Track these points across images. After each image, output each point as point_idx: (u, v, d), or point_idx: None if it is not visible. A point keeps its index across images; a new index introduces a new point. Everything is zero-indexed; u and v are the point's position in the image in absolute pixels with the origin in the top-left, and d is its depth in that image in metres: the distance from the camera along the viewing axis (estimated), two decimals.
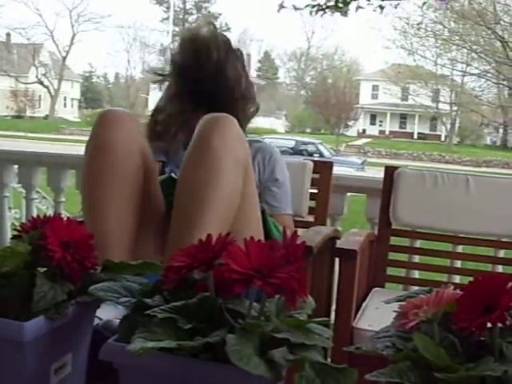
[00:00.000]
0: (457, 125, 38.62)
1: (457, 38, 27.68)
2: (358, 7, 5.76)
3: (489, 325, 0.85)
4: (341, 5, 5.76)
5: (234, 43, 2.21)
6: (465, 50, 29.17)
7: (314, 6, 5.95)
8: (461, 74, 32.86)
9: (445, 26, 26.96)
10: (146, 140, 1.91)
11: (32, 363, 0.97)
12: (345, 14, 5.80)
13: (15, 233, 1.13)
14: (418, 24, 27.08)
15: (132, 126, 1.81)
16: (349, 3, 5.77)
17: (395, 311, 0.93)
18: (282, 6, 6.00)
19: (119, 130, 1.77)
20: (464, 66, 31.56)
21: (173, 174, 1.95)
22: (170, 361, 0.85)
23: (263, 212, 1.97)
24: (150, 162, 1.86)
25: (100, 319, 1.31)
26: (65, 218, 1.08)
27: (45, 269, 1.04)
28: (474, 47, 27.68)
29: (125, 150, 1.76)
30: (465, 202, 2.49)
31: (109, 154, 1.75)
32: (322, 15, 5.89)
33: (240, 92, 2.18)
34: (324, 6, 5.87)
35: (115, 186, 1.74)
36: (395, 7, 6.22)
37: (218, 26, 2.33)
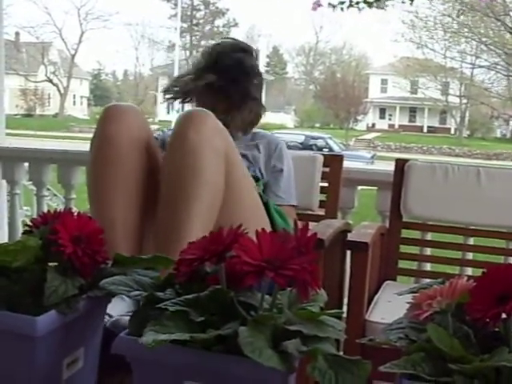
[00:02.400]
0: (466, 118, 38.43)
1: (466, 30, 27.53)
2: None
3: (503, 315, 0.85)
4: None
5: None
6: (474, 43, 29.03)
7: (343, 3, 5.94)
8: (470, 66, 32.72)
9: (454, 19, 26.81)
10: (151, 133, 1.91)
11: (44, 358, 0.97)
12: (382, 7, 5.77)
13: (26, 228, 1.13)
14: (425, 17, 26.99)
15: (136, 118, 1.83)
16: None
17: (408, 302, 0.92)
18: (318, 5, 5.99)
19: (123, 123, 1.78)
20: (473, 58, 31.41)
21: None
22: (183, 353, 0.84)
23: (266, 202, 1.98)
24: (156, 154, 1.87)
25: (110, 316, 1.31)
26: (75, 213, 1.08)
27: (56, 263, 1.04)
28: (484, 39, 27.54)
29: (129, 142, 1.77)
30: (476, 194, 2.48)
31: (113, 147, 1.76)
32: (360, 10, 5.88)
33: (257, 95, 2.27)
34: (355, 2, 5.86)
35: (120, 178, 1.75)
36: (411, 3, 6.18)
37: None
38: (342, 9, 6.04)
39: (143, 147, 1.80)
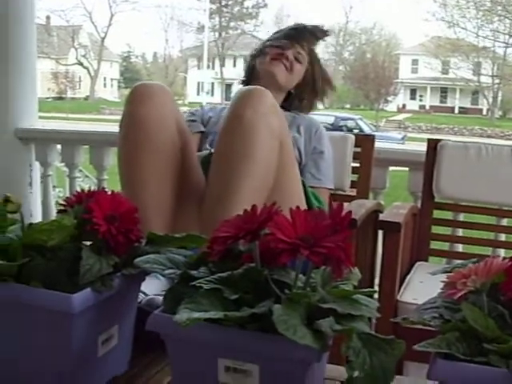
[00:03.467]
0: (499, 98, 37.87)
1: (499, 8, 27.05)
2: None
3: None
4: None
5: None
6: (507, 21, 28.54)
7: None
8: (503, 45, 32.18)
9: None
10: (181, 113, 1.91)
11: (80, 334, 0.99)
12: None
13: (61, 208, 1.14)
14: None
15: (165, 98, 1.81)
16: None
17: (443, 281, 0.91)
18: None
19: (151, 104, 1.77)
20: (507, 37, 30.87)
21: (213, 150, 1.95)
22: (217, 331, 0.85)
23: (303, 183, 1.97)
24: (186, 134, 1.87)
25: (144, 294, 1.32)
26: (109, 192, 1.09)
27: (90, 242, 1.05)
28: None
29: (158, 123, 1.76)
30: (509, 174, 2.45)
31: (142, 129, 1.75)
32: None
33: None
34: None
35: (151, 161, 1.74)
36: None
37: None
38: None
39: (172, 126, 1.80)
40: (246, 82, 2.37)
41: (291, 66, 2.25)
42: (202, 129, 2.24)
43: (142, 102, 1.77)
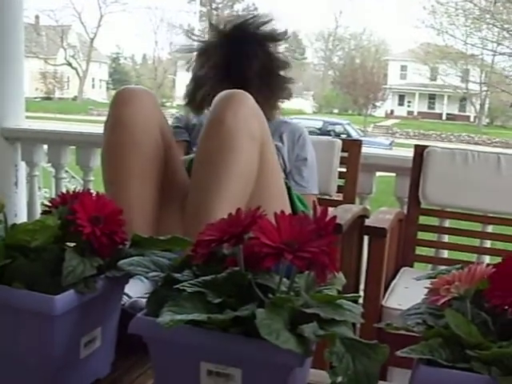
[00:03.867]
0: (486, 105, 38.06)
1: (488, 16, 27.23)
2: None
3: None
4: None
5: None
6: (496, 29, 28.72)
7: None
8: (491, 53, 32.39)
9: (475, 5, 26.52)
10: (164, 116, 1.91)
11: (62, 337, 0.98)
12: None
13: (45, 208, 1.13)
14: (447, 2, 26.71)
15: (149, 102, 1.81)
16: None
17: (427, 287, 0.92)
18: None
19: (135, 106, 1.77)
20: (495, 45, 31.07)
21: None
22: (200, 334, 0.84)
23: (288, 188, 1.97)
24: (169, 137, 1.87)
25: (128, 296, 1.31)
26: (94, 194, 1.09)
27: (74, 243, 1.04)
28: (506, 26, 27.22)
29: (142, 125, 1.76)
30: (495, 182, 2.46)
31: (126, 131, 1.75)
32: None
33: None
34: None
35: (134, 162, 1.74)
36: None
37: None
38: None
39: (155, 129, 1.80)
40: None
41: None
42: (187, 138, 2.24)
43: (125, 104, 1.77)
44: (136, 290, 1.33)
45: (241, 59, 2.17)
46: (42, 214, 1.13)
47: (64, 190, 3.36)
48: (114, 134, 1.77)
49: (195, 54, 2.24)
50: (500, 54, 31.40)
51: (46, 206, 1.13)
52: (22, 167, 3.39)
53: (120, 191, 1.72)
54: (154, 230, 1.72)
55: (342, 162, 2.50)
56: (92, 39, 44.12)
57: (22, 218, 3.33)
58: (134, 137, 1.74)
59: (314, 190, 2.23)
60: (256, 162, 1.73)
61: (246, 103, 1.72)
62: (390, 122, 36.73)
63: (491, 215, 2.55)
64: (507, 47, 30.07)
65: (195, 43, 2.26)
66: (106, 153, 1.79)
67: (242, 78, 2.13)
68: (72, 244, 1.05)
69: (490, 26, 28.33)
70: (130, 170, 1.74)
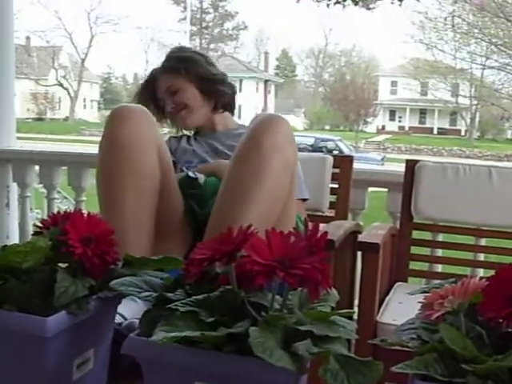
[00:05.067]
0: (477, 119, 38.29)
1: (476, 31, 27.44)
2: None
3: None
4: None
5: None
6: (484, 44, 28.91)
7: None
8: (480, 67, 32.59)
9: (464, 20, 26.73)
10: (160, 135, 1.90)
11: (54, 358, 0.97)
12: (367, 7, 5.70)
13: (36, 229, 1.13)
14: (435, 18, 26.91)
15: (145, 120, 1.80)
16: None
17: (420, 302, 0.91)
18: None
19: (131, 125, 1.75)
20: (483, 59, 31.28)
21: (190, 173, 1.94)
22: (193, 354, 0.84)
23: None
24: (166, 157, 1.85)
25: (123, 316, 1.30)
26: (85, 214, 1.08)
27: (66, 264, 1.04)
28: (494, 40, 27.43)
29: (138, 145, 1.75)
30: (488, 195, 2.46)
31: (122, 151, 1.73)
32: (343, 8, 5.80)
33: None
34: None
35: (131, 183, 1.73)
36: (418, 0, 6.11)
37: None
38: (327, 5, 5.96)
39: (152, 148, 1.78)
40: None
41: (181, 107, 2.26)
42: (173, 158, 2.25)
43: (121, 123, 1.76)
44: (132, 310, 1.32)
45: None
46: (33, 235, 1.12)
47: (56, 211, 3.35)
48: (109, 154, 1.76)
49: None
50: (489, 67, 31.59)
51: (38, 227, 1.12)
52: (14, 188, 3.38)
53: (115, 212, 1.71)
54: (150, 250, 1.71)
55: (334, 178, 2.50)
56: (83, 59, 44.30)
57: (14, 239, 3.31)
58: (129, 156, 1.73)
59: (302, 195, 2.22)
60: (286, 189, 1.71)
61: (283, 130, 1.70)
62: (381, 138, 36.88)
63: (484, 228, 2.55)
64: (496, 61, 30.27)
65: None
66: (101, 173, 1.78)
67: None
68: (64, 265, 1.04)
69: (479, 40, 28.53)
70: (126, 191, 1.72)
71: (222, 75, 2.32)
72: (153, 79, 2.31)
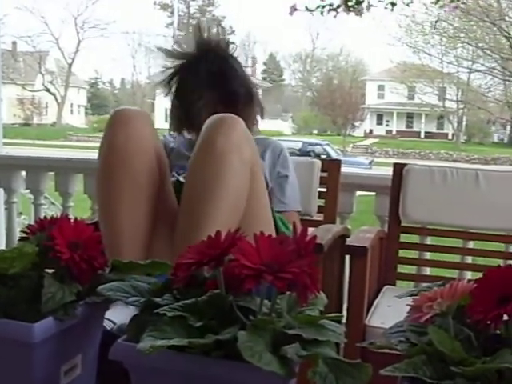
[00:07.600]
0: (464, 123, 38.45)
1: (462, 35, 27.59)
2: (370, 5, 5.67)
3: (504, 317, 0.84)
4: (351, 3, 5.66)
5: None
6: (470, 48, 29.10)
7: (324, 7, 5.86)
8: (467, 71, 32.78)
9: (450, 24, 26.87)
10: (159, 138, 1.90)
11: (41, 365, 0.96)
12: (359, 13, 5.71)
13: (23, 235, 1.12)
14: (422, 22, 27.06)
15: (144, 124, 1.80)
16: (361, 2, 5.66)
17: (409, 305, 0.91)
18: (294, 9, 5.93)
19: (130, 128, 1.75)
20: (470, 63, 31.45)
21: (181, 178, 1.94)
22: (181, 359, 0.83)
23: (271, 209, 1.97)
24: (163, 161, 1.85)
25: (113, 322, 1.30)
26: (72, 220, 1.07)
27: (53, 270, 1.03)
28: (480, 44, 27.61)
29: (136, 148, 1.75)
30: (475, 198, 2.47)
31: (120, 154, 1.74)
32: (335, 16, 5.81)
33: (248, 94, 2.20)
34: (335, 6, 5.78)
35: (128, 186, 1.73)
36: (408, 5, 6.10)
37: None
38: (321, 12, 5.96)
39: (150, 151, 1.78)
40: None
41: None
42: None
43: (121, 126, 1.76)
44: (120, 316, 1.31)
45: (227, 72, 2.16)
46: (19, 240, 1.11)
47: (43, 217, 3.34)
48: (107, 158, 1.76)
49: (173, 71, 2.21)
50: (476, 71, 31.78)
51: (24, 232, 1.11)
52: (0, 194, 3.36)
53: (111, 216, 1.72)
54: (145, 254, 1.71)
55: (322, 182, 2.50)
56: (70, 64, 44.18)
57: (1, 245, 3.29)
58: (127, 160, 1.73)
59: (296, 207, 2.23)
60: (246, 186, 1.72)
61: (237, 128, 1.72)
62: (369, 142, 36.97)
63: (471, 231, 2.56)
64: (482, 65, 30.46)
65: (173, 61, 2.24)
66: (100, 177, 1.78)
67: (230, 90, 2.14)
68: (51, 270, 1.03)
69: (465, 44, 28.71)
70: (122, 195, 1.72)
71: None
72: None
